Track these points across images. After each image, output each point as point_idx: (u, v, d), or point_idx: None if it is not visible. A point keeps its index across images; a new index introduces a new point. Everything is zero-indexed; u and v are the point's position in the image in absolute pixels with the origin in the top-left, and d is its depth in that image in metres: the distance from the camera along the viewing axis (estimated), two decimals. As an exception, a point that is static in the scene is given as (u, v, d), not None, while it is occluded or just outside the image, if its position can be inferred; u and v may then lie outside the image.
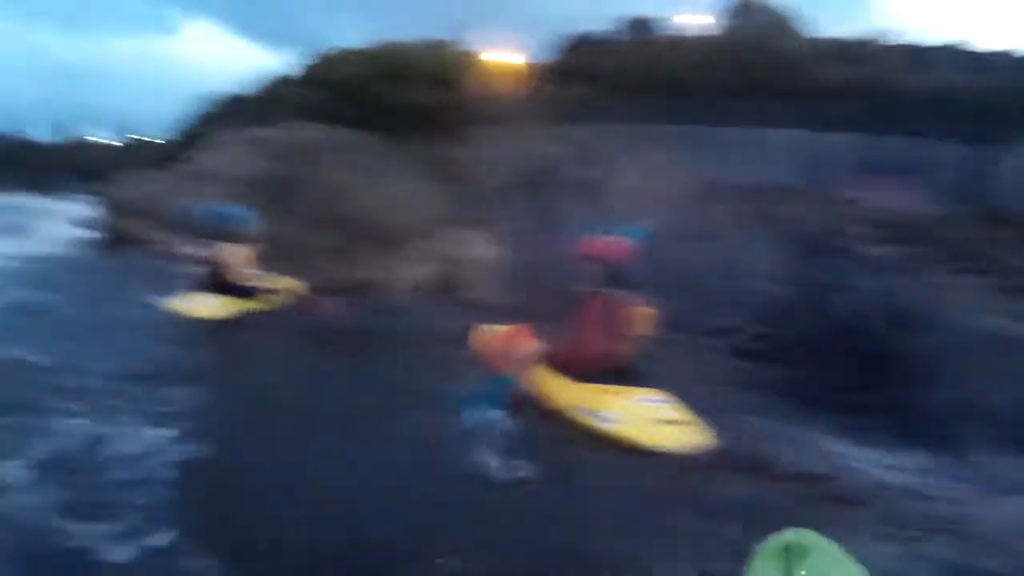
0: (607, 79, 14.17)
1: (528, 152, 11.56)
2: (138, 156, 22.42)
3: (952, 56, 13.77)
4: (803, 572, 1.44)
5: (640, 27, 17.74)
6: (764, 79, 13.38)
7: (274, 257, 7.56)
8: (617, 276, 4.44)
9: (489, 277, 9.85)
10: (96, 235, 13.18)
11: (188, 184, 11.75)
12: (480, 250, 10.31)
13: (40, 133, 57.51)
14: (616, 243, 4.59)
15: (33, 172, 37.79)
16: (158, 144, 24.30)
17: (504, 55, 16.77)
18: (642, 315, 4.35)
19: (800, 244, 9.60)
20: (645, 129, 11.98)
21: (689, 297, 7.64)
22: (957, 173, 11.20)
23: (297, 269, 8.08)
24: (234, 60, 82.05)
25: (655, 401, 4.19)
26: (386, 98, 14.54)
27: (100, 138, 52.08)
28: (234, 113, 16.16)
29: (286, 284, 7.51)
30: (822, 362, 7.32)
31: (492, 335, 5.07)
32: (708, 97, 12.78)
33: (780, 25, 15.32)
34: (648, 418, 4.05)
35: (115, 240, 12.35)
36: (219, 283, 6.92)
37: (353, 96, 15.26)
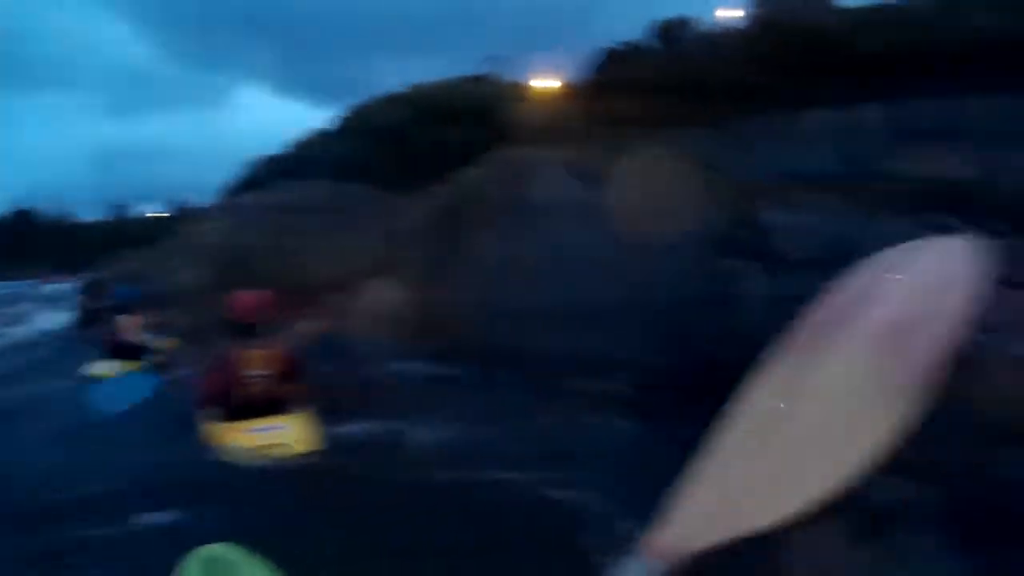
0: (641, 88, 13.13)
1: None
2: (153, 231, 23.41)
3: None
4: None
5: (671, 30, 16.18)
6: (802, 60, 11.45)
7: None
8: (243, 329, 5.11)
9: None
10: (75, 315, 14.22)
11: (165, 258, 12.23)
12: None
13: (93, 213, 63.06)
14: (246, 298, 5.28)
15: (69, 253, 41.31)
16: (163, 217, 25.51)
17: (541, 79, 16.30)
18: (260, 357, 5.06)
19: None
20: (680, 133, 10.58)
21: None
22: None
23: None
24: (282, 121, 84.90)
25: (270, 428, 4.89)
26: (421, 140, 14.52)
27: (154, 212, 53.99)
28: (268, 174, 16.78)
29: (168, 344, 8.62)
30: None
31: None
32: (745, 91, 11.23)
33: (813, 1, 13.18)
34: (255, 444, 4.77)
35: (87, 320, 13.13)
36: (115, 348, 8.29)
37: (387, 143, 15.33)
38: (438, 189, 9.87)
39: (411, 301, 9.28)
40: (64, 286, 22.11)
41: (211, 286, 10.83)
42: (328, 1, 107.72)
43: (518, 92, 15.58)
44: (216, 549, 1.52)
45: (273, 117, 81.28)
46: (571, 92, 14.97)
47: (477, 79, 16.72)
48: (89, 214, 64.56)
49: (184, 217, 15.58)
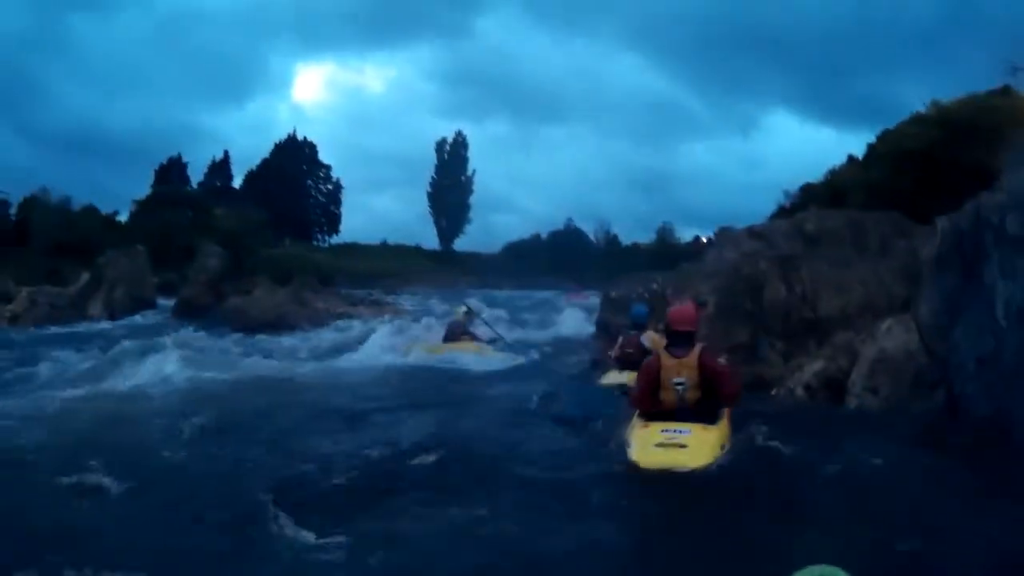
0: None
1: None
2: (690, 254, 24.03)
3: None
4: None
5: None
6: None
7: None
8: (677, 337, 5.89)
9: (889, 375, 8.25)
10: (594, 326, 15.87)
11: (684, 281, 13.20)
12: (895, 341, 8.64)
13: (632, 236, 65.18)
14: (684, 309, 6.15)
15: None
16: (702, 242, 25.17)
17: None
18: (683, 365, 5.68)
19: None
20: None
21: None
22: None
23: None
24: (812, 147, 78.37)
25: (678, 432, 5.39)
26: (947, 162, 13.24)
27: (694, 236, 54.61)
28: (801, 203, 16.62)
29: None
30: None
31: None
32: None
33: None
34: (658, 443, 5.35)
35: (602, 331, 14.47)
36: (623, 359, 9.66)
37: (914, 168, 14.21)
38: (954, 216, 8.63)
39: (918, 348, 8.36)
40: (588, 300, 24.73)
41: (726, 310, 11.31)
42: (851, 20, 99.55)
43: None
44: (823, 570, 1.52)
45: (803, 143, 79.09)
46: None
47: (1002, 92, 14.23)
48: (629, 236, 71.42)
49: (716, 242, 16.53)
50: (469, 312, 15.18)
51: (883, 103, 69.46)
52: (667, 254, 37.73)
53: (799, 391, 9.07)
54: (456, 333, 13.86)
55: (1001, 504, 4.61)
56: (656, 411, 5.64)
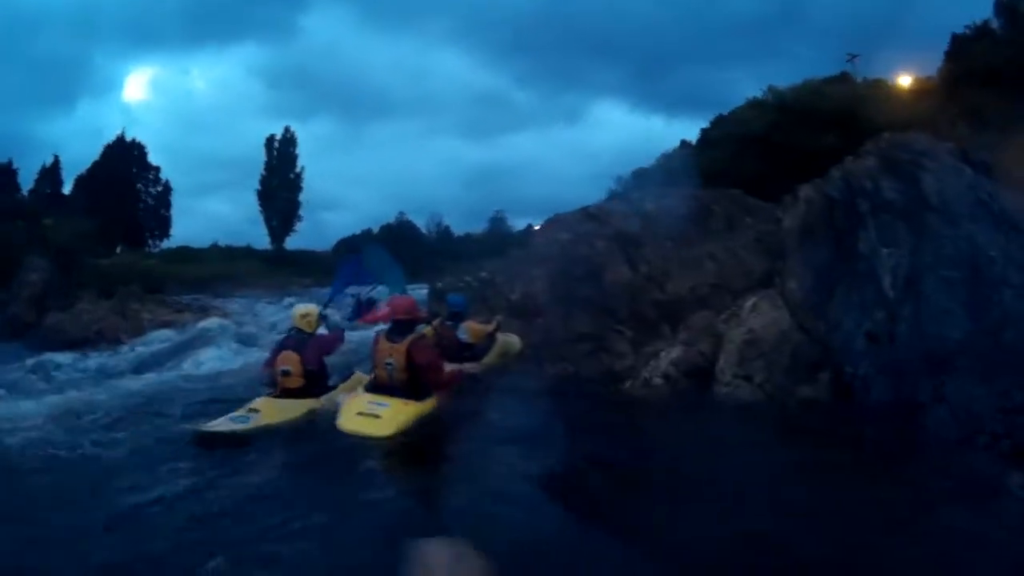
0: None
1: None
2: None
3: None
4: None
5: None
6: None
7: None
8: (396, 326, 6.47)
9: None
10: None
11: (514, 268, 11.75)
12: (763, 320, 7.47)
13: (466, 227, 65.09)
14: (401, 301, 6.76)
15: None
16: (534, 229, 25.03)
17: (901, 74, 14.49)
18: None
19: None
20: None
21: None
22: None
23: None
24: (641, 136, 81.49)
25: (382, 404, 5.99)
26: (786, 144, 13.19)
27: (531, 224, 57.95)
28: (632, 187, 15.92)
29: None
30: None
31: None
32: None
33: None
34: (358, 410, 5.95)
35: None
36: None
37: (752, 150, 14.12)
38: (819, 183, 7.70)
39: (791, 327, 7.20)
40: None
41: (562, 296, 9.94)
42: (675, 13, 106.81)
43: (880, 89, 13.93)
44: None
45: (631, 132, 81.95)
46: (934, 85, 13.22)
47: (837, 79, 15.07)
48: (462, 228, 69.26)
49: (546, 227, 15.49)
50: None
51: (712, 92, 72.97)
52: (500, 243, 37.15)
53: (656, 381, 7.62)
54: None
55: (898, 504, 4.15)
56: (375, 385, 6.34)
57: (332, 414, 6.06)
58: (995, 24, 14.81)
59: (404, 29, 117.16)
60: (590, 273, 10.05)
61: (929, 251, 6.55)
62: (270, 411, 6.12)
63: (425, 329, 7.68)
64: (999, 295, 6.05)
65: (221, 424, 5.81)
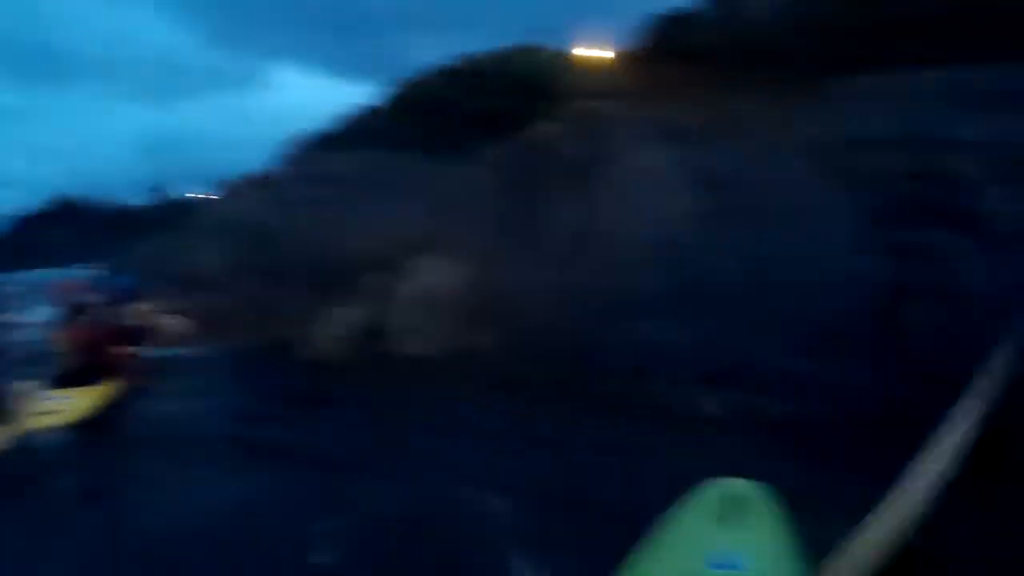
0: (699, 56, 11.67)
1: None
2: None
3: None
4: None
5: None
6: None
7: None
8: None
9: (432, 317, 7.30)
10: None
11: (190, 241, 10.88)
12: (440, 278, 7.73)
13: (140, 198, 63.15)
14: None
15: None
16: (206, 199, 23.72)
17: (593, 49, 15.42)
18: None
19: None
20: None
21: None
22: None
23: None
24: (321, 99, 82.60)
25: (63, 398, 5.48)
26: (473, 110, 13.55)
27: (199, 195, 56.42)
28: (310, 150, 15.48)
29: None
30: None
31: None
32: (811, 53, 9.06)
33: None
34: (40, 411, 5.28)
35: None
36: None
37: (438, 115, 14.35)
38: (506, 144, 8.04)
39: (467, 282, 7.49)
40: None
41: (235, 267, 9.39)
42: None
43: (568, 61, 14.75)
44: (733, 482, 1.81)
45: (311, 96, 79.18)
46: (624, 61, 14.10)
47: (526, 49, 15.62)
48: (138, 200, 64.41)
49: (220, 197, 14.38)
50: None
51: (401, 60, 72.51)
52: (175, 216, 33.81)
53: (329, 344, 7.52)
54: None
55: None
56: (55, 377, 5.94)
57: None
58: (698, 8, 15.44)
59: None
60: (263, 242, 9.61)
61: (614, 209, 7.06)
62: None
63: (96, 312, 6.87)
64: (686, 254, 6.41)
65: None
